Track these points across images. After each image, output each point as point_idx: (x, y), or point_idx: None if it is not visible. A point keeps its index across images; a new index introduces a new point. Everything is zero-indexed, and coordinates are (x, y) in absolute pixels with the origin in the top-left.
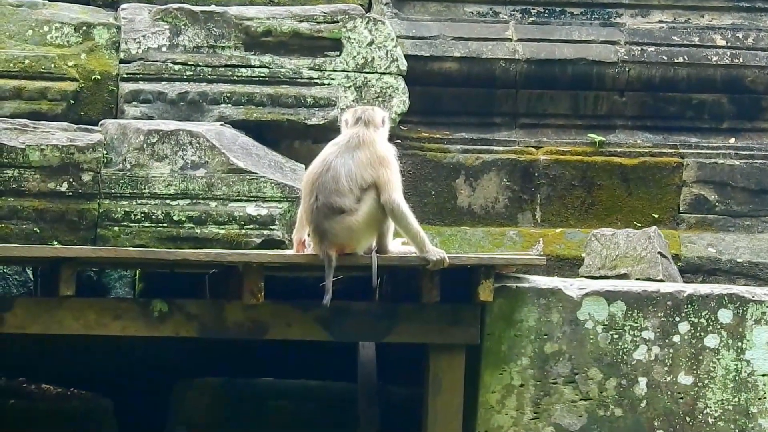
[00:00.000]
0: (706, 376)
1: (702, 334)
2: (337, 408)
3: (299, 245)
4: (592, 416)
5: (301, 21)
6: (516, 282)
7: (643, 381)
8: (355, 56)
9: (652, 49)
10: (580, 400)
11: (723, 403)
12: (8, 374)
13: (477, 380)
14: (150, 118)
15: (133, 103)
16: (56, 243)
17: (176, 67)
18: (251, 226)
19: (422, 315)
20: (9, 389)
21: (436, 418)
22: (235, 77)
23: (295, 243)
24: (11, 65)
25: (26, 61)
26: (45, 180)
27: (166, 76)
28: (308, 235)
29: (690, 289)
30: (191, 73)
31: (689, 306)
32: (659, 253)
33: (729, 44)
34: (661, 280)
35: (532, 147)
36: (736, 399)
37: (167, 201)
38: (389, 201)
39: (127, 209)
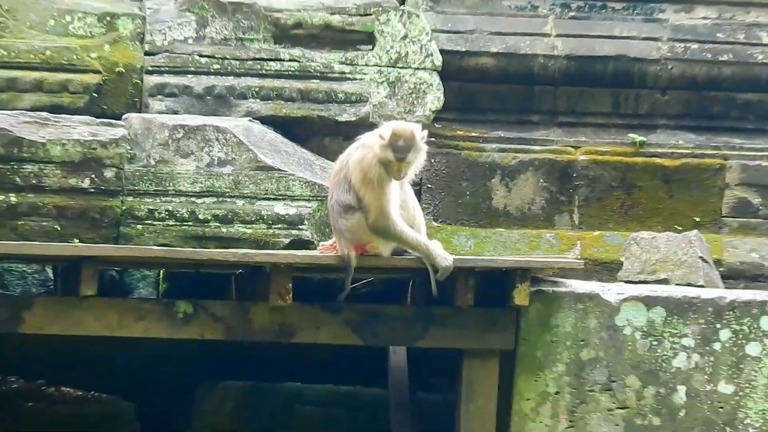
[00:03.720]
0: (747, 385)
1: (743, 341)
2: (367, 415)
3: (329, 245)
4: (629, 425)
5: (332, 13)
6: (552, 286)
7: (682, 389)
8: (388, 50)
9: (696, 46)
10: (617, 408)
11: (764, 413)
12: (26, 376)
13: (511, 387)
14: (175, 112)
15: (158, 96)
16: (77, 241)
17: (203, 60)
18: (279, 225)
19: (456, 319)
20: (27, 392)
21: (469, 425)
22: (264, 71)
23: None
24: (32, 56)
25: (47, 52)
26: (66, 176)
27: (193, 69)
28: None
29: (732, 295)
30: (218, 66)
31: (731, 313)
32: (700, 257)
33: None
34: (701, 286)
35: (571, 147)
36: None
37: (192, 199)
38: (374, 227)
39: (150, 207)
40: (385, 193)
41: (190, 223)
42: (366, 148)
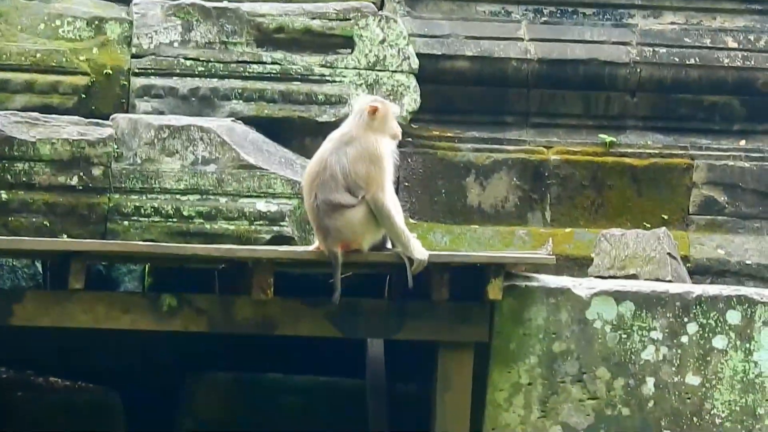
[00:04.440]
0: (713, 376)
1: (710, 335)
2: (346, 404)
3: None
4: (599, 415)
5: (313, 18)
6: (525, 281)
7: (650, 381)
8: (366, 54)
9: (664, 50)
10: (588, 399)
11: (730, 404)
12: (16, 366)
13: (485, 378)
14: (161, 113)
15: (145, 98)
16: (66, 237)
17: (188, 62)
18: (261, 222)
19: (432, 313)
20: (17, 382)
21: (445, 416)
22: (247, 73)
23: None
24: (23, 59)
25: (38, 55)
26: (55, 174)
27: (178, 71)
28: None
29: (699, 290)
30: (203, 68)
31: (698, 307)
32: (668, 254)
33: (741, 46)
34: (670, 281)
35: (543, 147)
36: (744, 400)
37: (177, 196)
38: (372, 199)
39: (137, 204)
40: (387, 170)
41: (174, 220)
42: (359, 138)
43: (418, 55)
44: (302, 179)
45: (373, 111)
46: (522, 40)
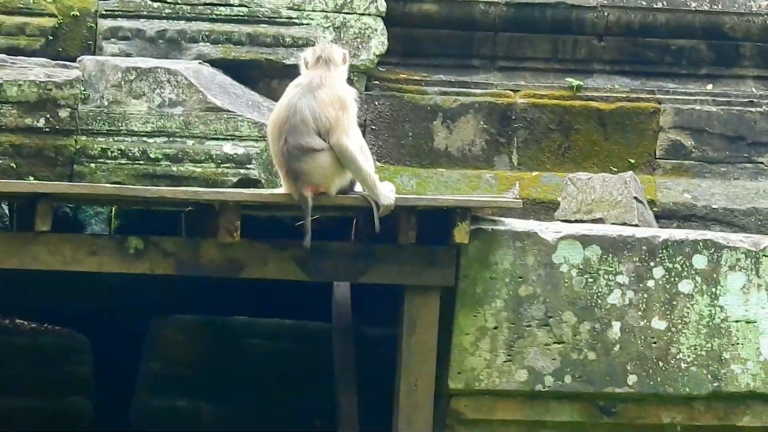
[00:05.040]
0: (679, 321)
1: (676, 279)
2: (312, 347)
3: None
4: (565, 359)
5: None
6: (492, 225)
7: (616, 325)
8: None
9: None
10: (554, 343)
11: (696, 349)
12: None
13: (451, 322)
14: (128, 55)
15: (112, 40)
16: (33, 178)
17: (155, 4)
18: (228, 164)
19: (398, 256)
20: None
21: (411, 359)
22: (214, 16)
23: None
24: None
25: None
26: (22, 115)
27: (145, 13)
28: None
29: (665, 234)
30: (170, 11)
31: (664, 251)
32: (635, 198)
33: None
34: (636, 225)
35: (510, 90)
36: (709, 344)
37: (144, 138)
38: (337, 144)
39: (103, 146)
40: (353, 115)
41: (141, 162)
42: (328, 84)
43: None
44: (268, 124)
45: (345, 59)
46: None
